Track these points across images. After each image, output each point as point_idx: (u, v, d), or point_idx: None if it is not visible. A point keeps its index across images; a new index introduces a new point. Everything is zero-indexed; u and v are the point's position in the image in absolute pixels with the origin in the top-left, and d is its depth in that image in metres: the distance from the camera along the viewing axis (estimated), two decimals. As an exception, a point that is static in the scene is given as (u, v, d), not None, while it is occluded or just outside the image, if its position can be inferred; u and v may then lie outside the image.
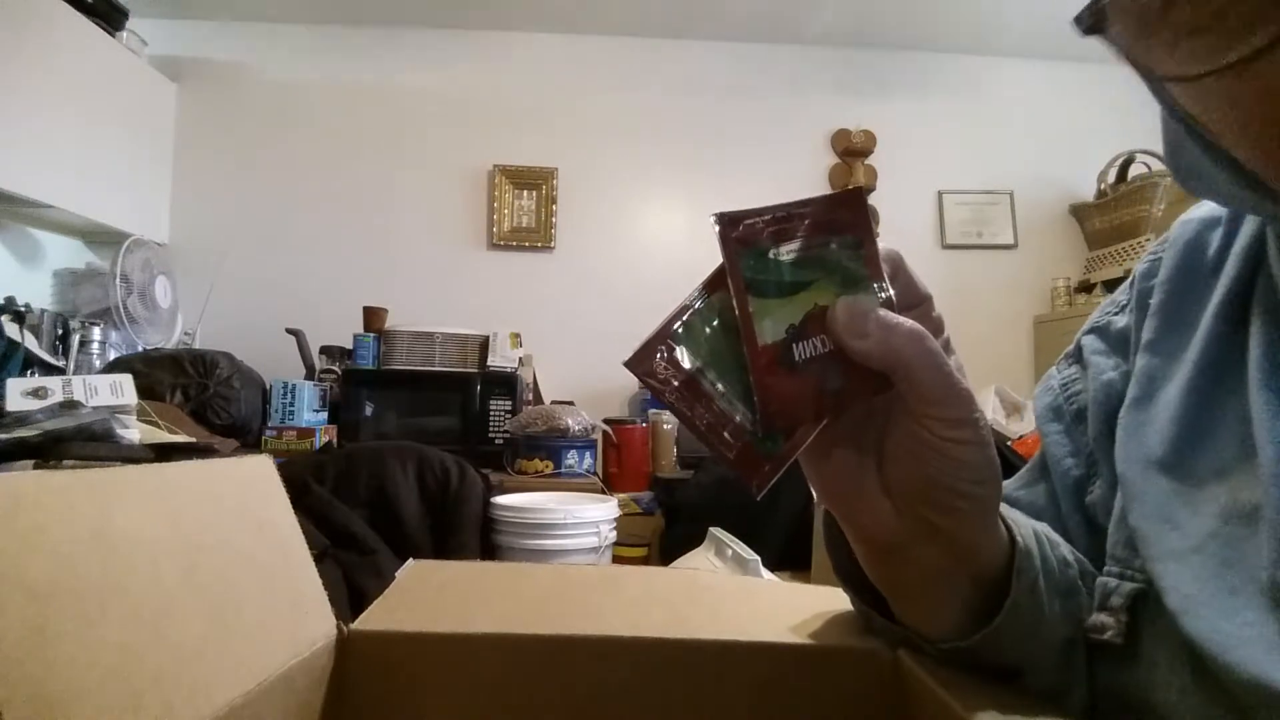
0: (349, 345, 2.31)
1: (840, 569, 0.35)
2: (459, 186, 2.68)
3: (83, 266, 2.37)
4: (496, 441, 2.13)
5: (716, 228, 0.26)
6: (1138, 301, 0.39)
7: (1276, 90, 0.21)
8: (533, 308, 2.61)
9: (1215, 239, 0.36)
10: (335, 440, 2.10)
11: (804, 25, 2.66)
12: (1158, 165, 2.42)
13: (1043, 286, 2.72)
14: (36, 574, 0.20)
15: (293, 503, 0.34)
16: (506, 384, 2.19)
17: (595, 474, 2.04)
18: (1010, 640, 0.30)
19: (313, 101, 2.68)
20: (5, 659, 0.18)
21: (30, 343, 1.91)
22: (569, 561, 1.32)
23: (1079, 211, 2.73)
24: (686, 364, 0.26)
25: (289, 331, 2.32)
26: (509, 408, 2.16)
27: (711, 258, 0.27)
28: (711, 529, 1.07)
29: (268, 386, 2.17)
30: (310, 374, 2.31)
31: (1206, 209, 0.37)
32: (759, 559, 0.95)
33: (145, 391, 1.72)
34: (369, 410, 2.18)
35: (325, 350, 2.35)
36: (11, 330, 1.86)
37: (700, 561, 1.03)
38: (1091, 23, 0.23)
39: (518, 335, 2.34)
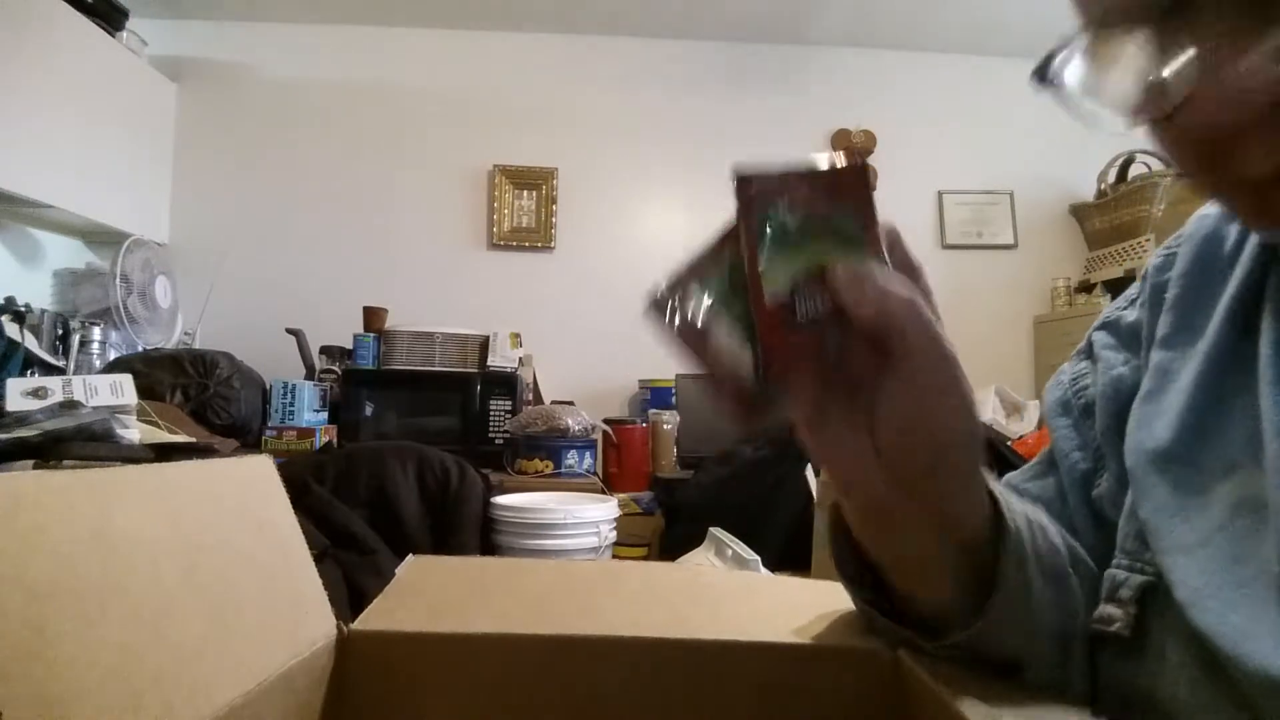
0: (349, 345, 2.31)
1: (843, 565, 0.36)
2: (459, 186, 2.68)
3: (83, 266, 2.37)
4: (496, 441, 2.13)
5: (734, 183, 0.28)
6: (1149, 296, 0.39)
7: (1193, 139, 0.26)
8: (533, 308, 2.61)
9: (1232, 232, 0.36)
10: (335, 440, 2.09)
11: (804, 25, 2.66)
12: (1158, 165, 2.42)
13: (1043, 286, 2.72)
14: (36, 574, 0.20)
15: (293, 503, 0.34)
16: (506, 384, 2.19)
17: (595, 474, 2.04)
18: (1005, 624, 0.30)
19: (313, 101, 2.68)
20: (5, 659, 0.18)
21: (30, 343, 1.91)
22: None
23: (1079, 211, 2.73)
24: (699, 311, 0.28)
25: (289, 331, 2.32)
26: (509, 408, 2.16)
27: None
28: (711, 529, 1.07)
29: (268, 386, 2.17)
30: (310, 374, 2.31)
31: None
32: (759, 559, 0.96)
33: (145, 391, 1.72)
34: (369, 410, 2.18)
35: (325, 350, 2.35)
36: (11, 330, 1.86)
37: (700, 561, 1.03)
38: (1040, 83, 0.28)
39: (518, 335, 2.34)
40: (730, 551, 1.00)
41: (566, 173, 2.67)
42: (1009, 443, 1.54)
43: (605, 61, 2.75)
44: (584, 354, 2.60)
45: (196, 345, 2.36)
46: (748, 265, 0.27)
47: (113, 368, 1.93)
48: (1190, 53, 0.25)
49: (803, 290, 0.27)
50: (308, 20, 2.68)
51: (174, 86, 2.61)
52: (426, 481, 1.36)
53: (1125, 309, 0.41)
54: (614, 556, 1.50)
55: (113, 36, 2.27)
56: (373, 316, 2.34)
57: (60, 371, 1.95)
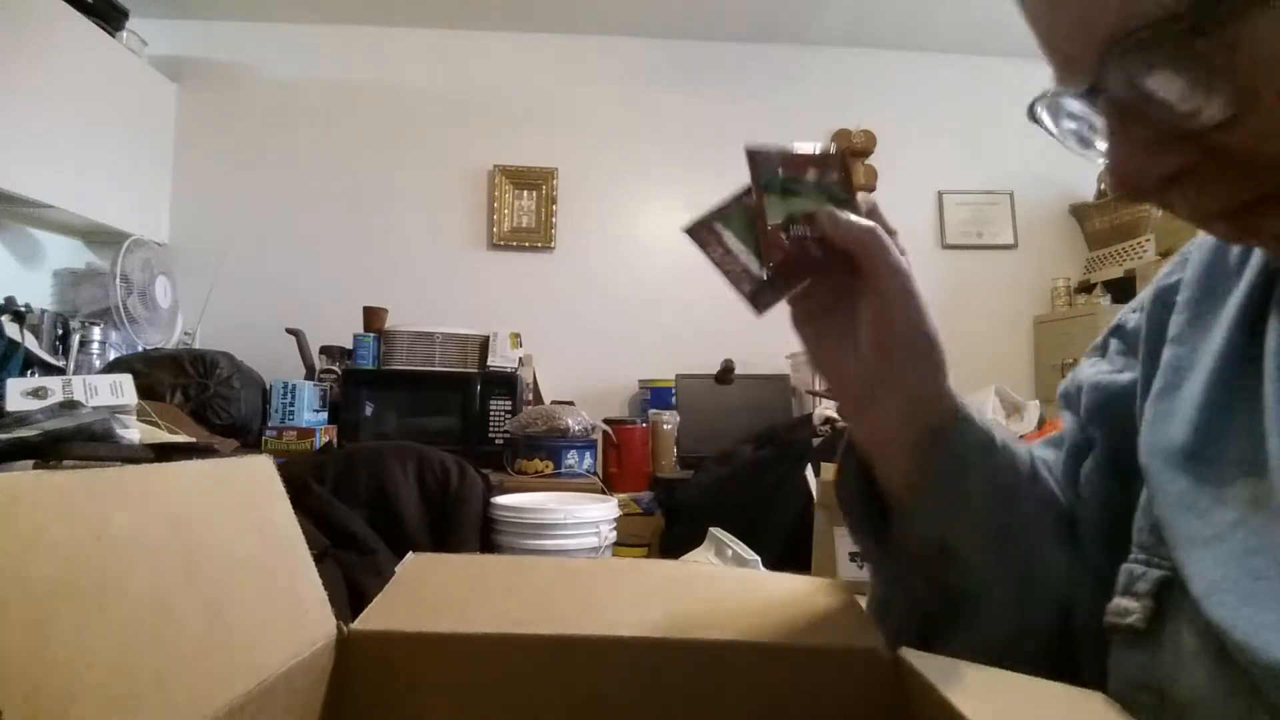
0: (349, 345, 2.31)
1: (845, 494, 0.44)
2: (459, 186, 2.68)
3: (83, 266, 2.37)
4: (496, 441, 2.13)
5: (746, 155, 0.40)
6: (1152, 299, 0.41)
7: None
8: (533, 308, 2.61)
9: None
10: (335, 440, 2.09)
11: (804, 25, 2.66)
12: (1158, 165, 2.41)
13: (1043, 286, 2.71)
14: (36, 574, 0.20)
15: (293, 503, 0.34)
16: (506, 384, 2.19)
17: (595, 474, 2.04)
18: (939, 496, 0.38)
19: (313, 101, 2.68)
20: (5, 659, 0.18)
21: (30, 343, 1.91)
22: (569, 561, 1.31)
23: (1079, 211, 2.73)
24: (723, 234, 0.40)
25: (289, 331, 2.32)
26: (509, 408, 2.16)
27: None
28: (711, 529, 1.07)
29: (268, 386, 2.17)
30: (310, 374, 2.31)
31: None
32: (759, 559, 0.96)
33: (145, 391, 1.72)
34: (369, 410, 2.18)
35: (325, 350, 2.35)
36: (11, 330, 1.86)
37: (700, 561, 1.03)
38: (1032, 120, 0.33)
39: (518, 335, 2.34)
40: (730, 551, 1.00)
41: (566, 173, 2.67)
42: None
43: (605, 61, 2.75)
44: (584, 354, 2.60)
45: (196, 345, 2.36)
46: (755, 201, 0.39)
47: (113, 368, 1.93)
48: (1101, 127, 0.30)
49: (797, 223, 0.39)
50: (308, 20, 2.68)
51: (174, 86, 2.61)
52: (426, 481, 1.36)
53: (1132, 313, 0.43)
54: (614, 556, 1.50)
55: (113, 36, 2.27)
56: (373, 316, 2.34)
57: (60, 371, 1.95)
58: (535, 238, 2.65)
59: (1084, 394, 0.43)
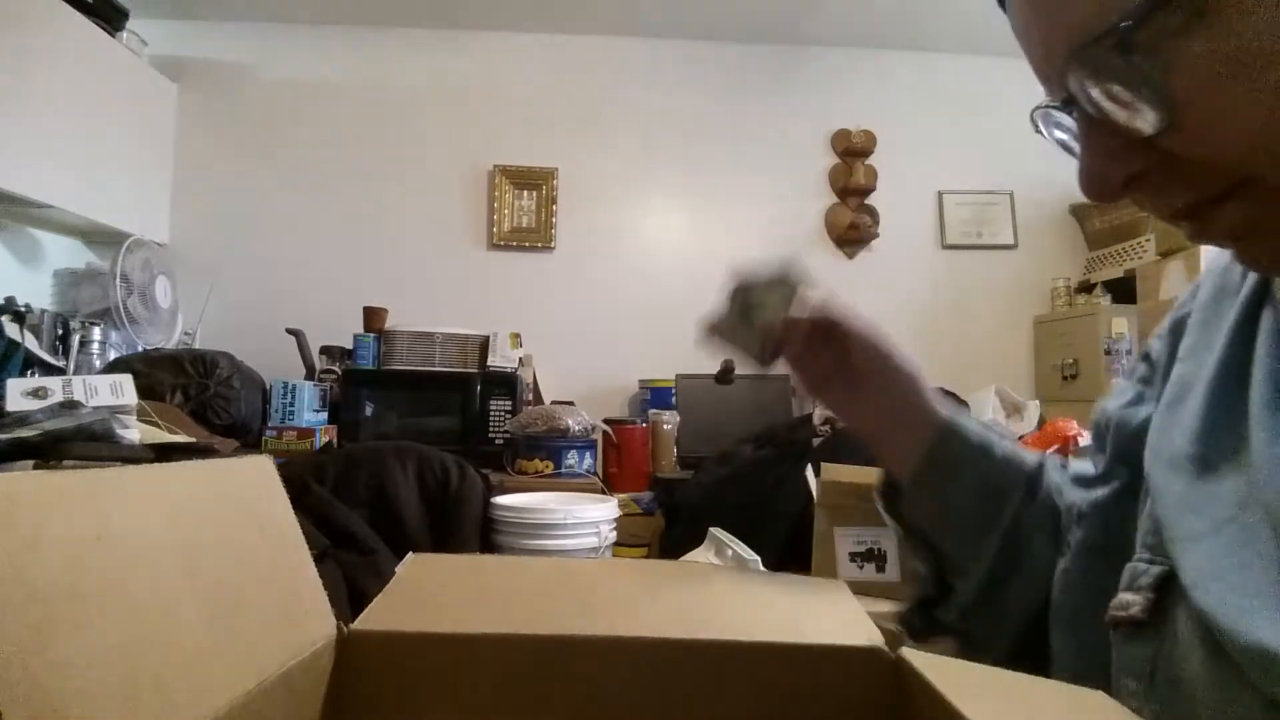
0: (349, 345, 2.31)
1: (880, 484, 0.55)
2: (459, 186, 2.68)
3: (83, 266, 2.37)
4: (496, 441, 2.13)
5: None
6: (1169, 329, 0.44)
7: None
8: (533, 308, 2.61)
9: None
10: (335, 440, 2.09)
11: (804, 25, 2.66)
12: (1158, 165, 2.41)
13: (1043, 287, 2.71)
14: (36, 574, 0.20)
15: (293, 503, 0.34)
16: (506, 384, 2.19)
17: (595, 474, 2.04)
18: (928, 487, 0.50)
19: (313, 101, 2.68)
20: (5, 659, 0.18)
21: (30, 343, 1.91)
22: (569, 561, 1.31)
23: (1079, 212, 2.73)
24: (731, 331, 0.55)
25: (289, 331, 2.31)
26: (509, 408, 2.16)
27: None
28: (711, 529, 1.07)
29: (268, 386, 2.17)
30: (310, 374, 2.31)
31: None
32: (759, 559, 0.96)
33: (145, 391, 1.72)
34: (369, 410, 2.18)
35: (325, 350, 2.35)
36: (11, 330, 1.86)
37: (700, 561, 1.03)
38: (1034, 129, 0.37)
39: (518, 335, 2.34)
40: (730, 551, 1.00)
41: (566, 173, 2.67)
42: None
43: (605, 61, 2.75)
44: (584, 354, 2.59)
45: (196, 345, 2.36)
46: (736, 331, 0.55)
47: (113, 368, 1.93)
48: (1074, 137, 0.34)
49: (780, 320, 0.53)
50: (308, 20, 2.68)
51: (175, 87, 2.61)
52: (426, 481, 1.36)
53: (1157, 339, 0.46)
54: (614, 557, 1.50)
55: (113, 37, 2.27)
56: (373, 316, 2.34)
57: (60, 371, 1.95)
58: (535, 238, 2.65)
59: (1110, 431, 0.46)
